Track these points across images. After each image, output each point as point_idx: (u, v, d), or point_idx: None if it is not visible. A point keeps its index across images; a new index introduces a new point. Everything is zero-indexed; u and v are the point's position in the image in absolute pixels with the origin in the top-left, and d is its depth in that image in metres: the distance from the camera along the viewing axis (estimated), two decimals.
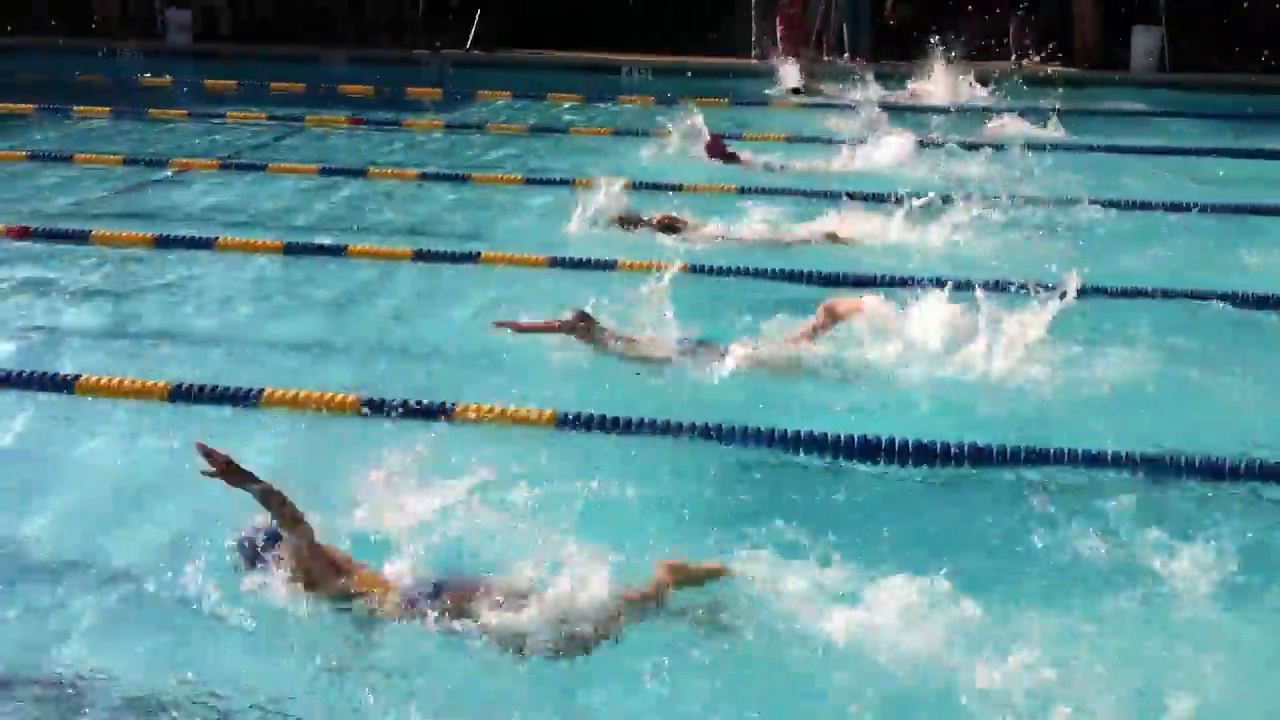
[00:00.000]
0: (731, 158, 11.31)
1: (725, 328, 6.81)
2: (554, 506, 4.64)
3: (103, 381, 6.13)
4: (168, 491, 5.08)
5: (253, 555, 4.26)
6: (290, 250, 8.57)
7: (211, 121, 13.51)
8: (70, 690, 3.92)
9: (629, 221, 8.95)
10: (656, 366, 6.41)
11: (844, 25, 17.33)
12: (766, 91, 15.36)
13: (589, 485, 4.93)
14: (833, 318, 6.64)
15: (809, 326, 6.67)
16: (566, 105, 14.66)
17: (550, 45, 17.53)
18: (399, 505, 4.52)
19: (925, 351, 6.42)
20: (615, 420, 5.75)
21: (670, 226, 8.90)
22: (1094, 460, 5.44)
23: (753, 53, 17.29)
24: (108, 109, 13.84)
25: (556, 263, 8.22)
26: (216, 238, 8.75)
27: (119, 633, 4.24)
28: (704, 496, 5.23)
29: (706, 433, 5.66)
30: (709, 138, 11.39)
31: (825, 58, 16.99)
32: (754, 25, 17.42)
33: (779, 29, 17.07)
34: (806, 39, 17.19)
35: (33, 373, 6.24)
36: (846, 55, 16.89)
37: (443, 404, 5.84)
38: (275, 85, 15.30)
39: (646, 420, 5.72)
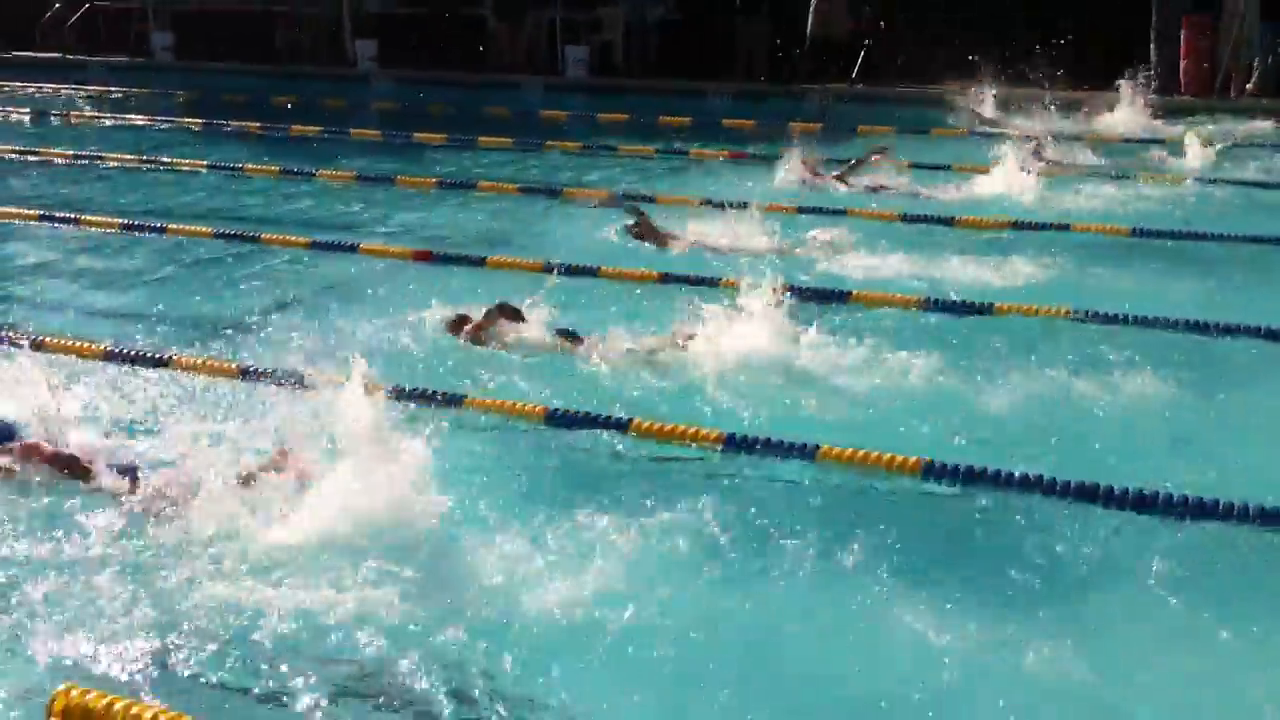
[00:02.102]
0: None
1: None
2: None
3: (487, 401, 6.52)
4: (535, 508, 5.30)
5: None
6: (667, 280, 8.79)
7: (603, 153, 14.10)
8: None
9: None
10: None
11: (1255, 58, 16.20)
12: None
13: None
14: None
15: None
16: (950, 140, 14.38)
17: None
18: None
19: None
20: None
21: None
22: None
23: (1150, 85, 16.42)
24: (509, 140, 14.69)
25: (931, 305, 8.06)
26: (599, 266, 9.11)
27: None
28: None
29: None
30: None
31: (1232, 94, 15.96)
32: (1153, 54, 16.51)
33: (1183, 62, 16.20)
34: (1213, 72, 16.24)
35: (424, 390, 6.65)
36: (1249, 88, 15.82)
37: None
38: (663, 119, 15.82)
39: None
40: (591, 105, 17.30)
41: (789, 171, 11.93)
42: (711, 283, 8.42)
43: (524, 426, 6.28)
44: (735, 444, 5.98)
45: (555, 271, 8.50)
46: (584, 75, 19.69)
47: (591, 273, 8.96)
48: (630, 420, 6.17)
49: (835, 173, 11.82)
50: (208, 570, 4.83)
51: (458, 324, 7.55)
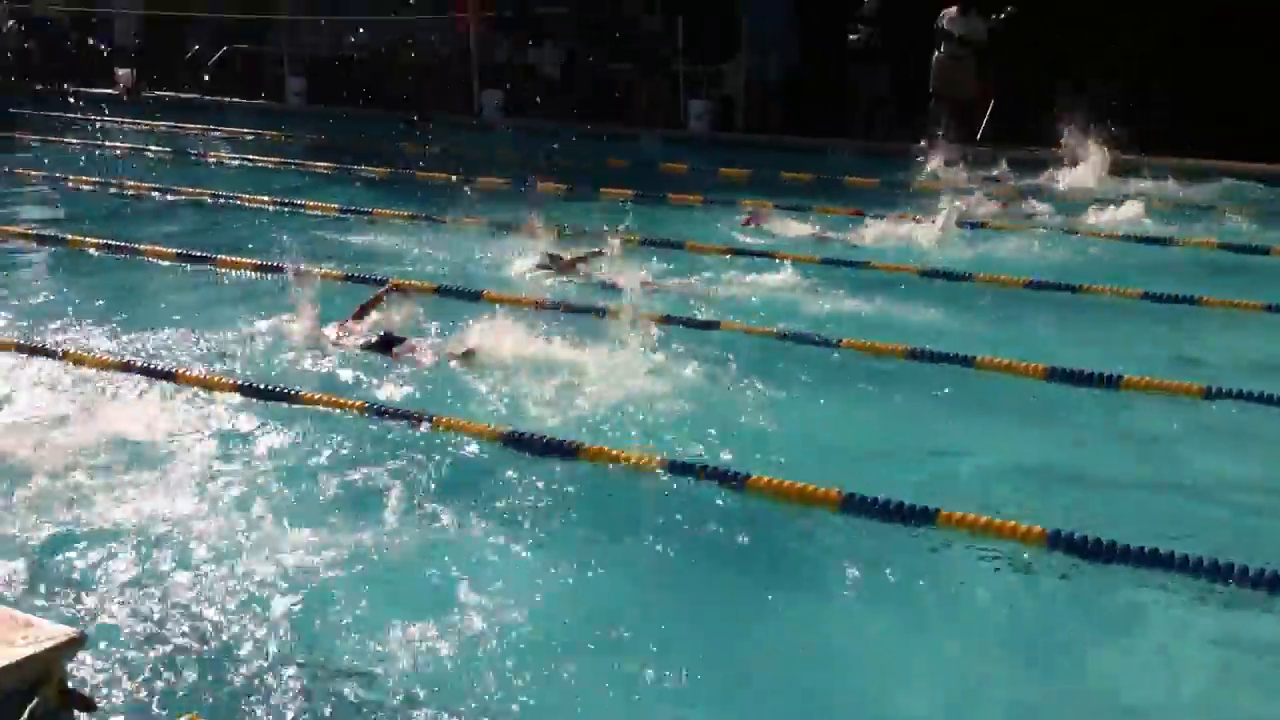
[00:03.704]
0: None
1: None
2: None
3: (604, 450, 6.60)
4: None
5: None
6: (782, 336, 8.84)
7: (722, 206, 14.15)
8: None
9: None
10: None
11: None
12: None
13: None
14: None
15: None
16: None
17: None
18: None
19: None
20: None
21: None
22: None
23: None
24: (630, 191, 14.86)
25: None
26: (719, 320, 9.18)
27: None
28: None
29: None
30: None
31: None
32: None
33: None
34: None
35: (538, 437, 6.79)
36: None
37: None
38: (785, 174, 15.87)
39: None
40: (713, 160, 17.42)
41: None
42: None
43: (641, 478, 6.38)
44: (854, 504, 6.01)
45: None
46: (705, 129, 19.86)
47: (714, 325, 9.05)
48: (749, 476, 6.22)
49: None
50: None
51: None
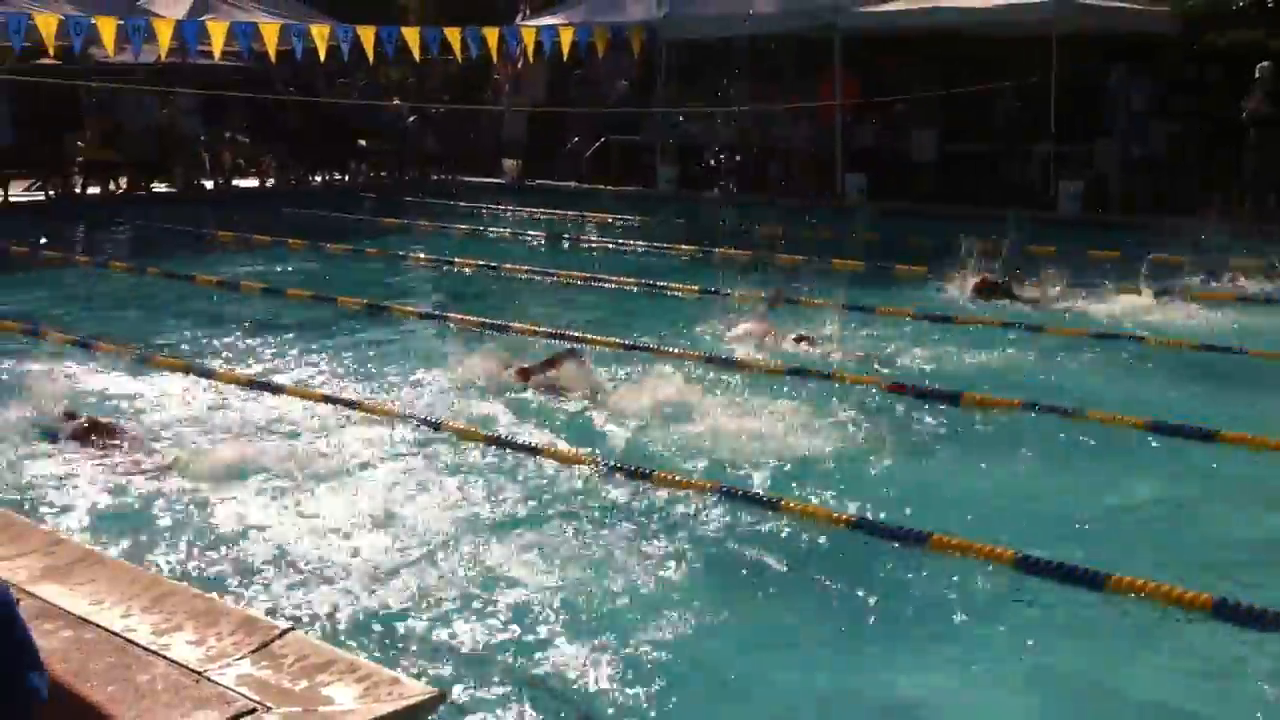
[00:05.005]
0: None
1: None
2: None
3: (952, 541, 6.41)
4: None
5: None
6: (1157, 429, 8.34)
7: (1092, 288, 13.54)
8: None
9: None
10: None
11: None
12: None
13: None
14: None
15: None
16: None
17: None
18: None
19: None
20: None
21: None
22: None
23: None
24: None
25: None
26: (1085, 410, 8.78)
27: None
28: None
29: None
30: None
31: None
32: None
33: None
34: None
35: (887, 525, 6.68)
36: None
37: None
38: (1155, 257, 15.05)
39: None
40: (1082, 241, 16.74)
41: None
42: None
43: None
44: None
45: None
46: (1077, 210, 19.17)
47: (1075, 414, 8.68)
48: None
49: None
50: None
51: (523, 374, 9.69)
